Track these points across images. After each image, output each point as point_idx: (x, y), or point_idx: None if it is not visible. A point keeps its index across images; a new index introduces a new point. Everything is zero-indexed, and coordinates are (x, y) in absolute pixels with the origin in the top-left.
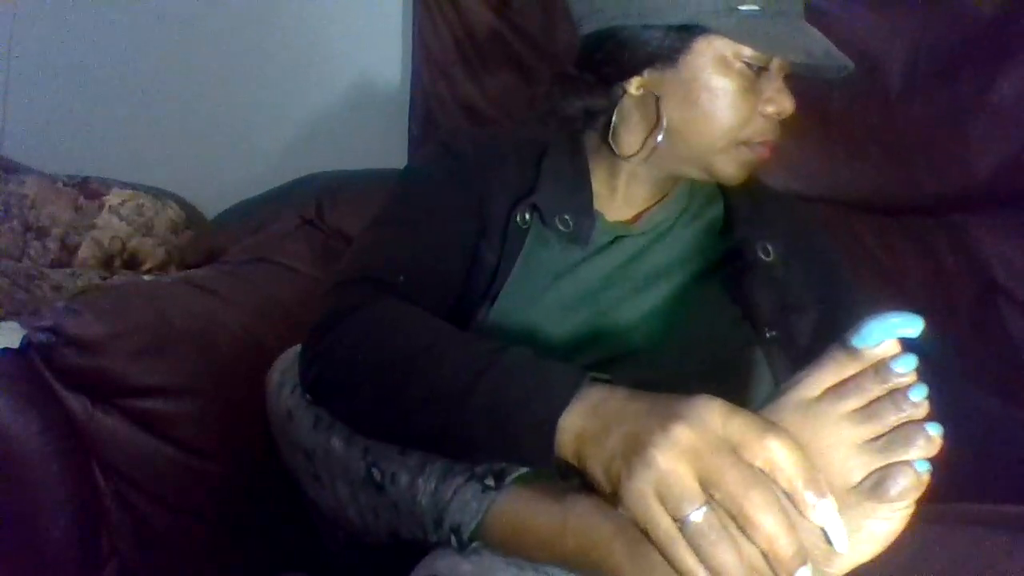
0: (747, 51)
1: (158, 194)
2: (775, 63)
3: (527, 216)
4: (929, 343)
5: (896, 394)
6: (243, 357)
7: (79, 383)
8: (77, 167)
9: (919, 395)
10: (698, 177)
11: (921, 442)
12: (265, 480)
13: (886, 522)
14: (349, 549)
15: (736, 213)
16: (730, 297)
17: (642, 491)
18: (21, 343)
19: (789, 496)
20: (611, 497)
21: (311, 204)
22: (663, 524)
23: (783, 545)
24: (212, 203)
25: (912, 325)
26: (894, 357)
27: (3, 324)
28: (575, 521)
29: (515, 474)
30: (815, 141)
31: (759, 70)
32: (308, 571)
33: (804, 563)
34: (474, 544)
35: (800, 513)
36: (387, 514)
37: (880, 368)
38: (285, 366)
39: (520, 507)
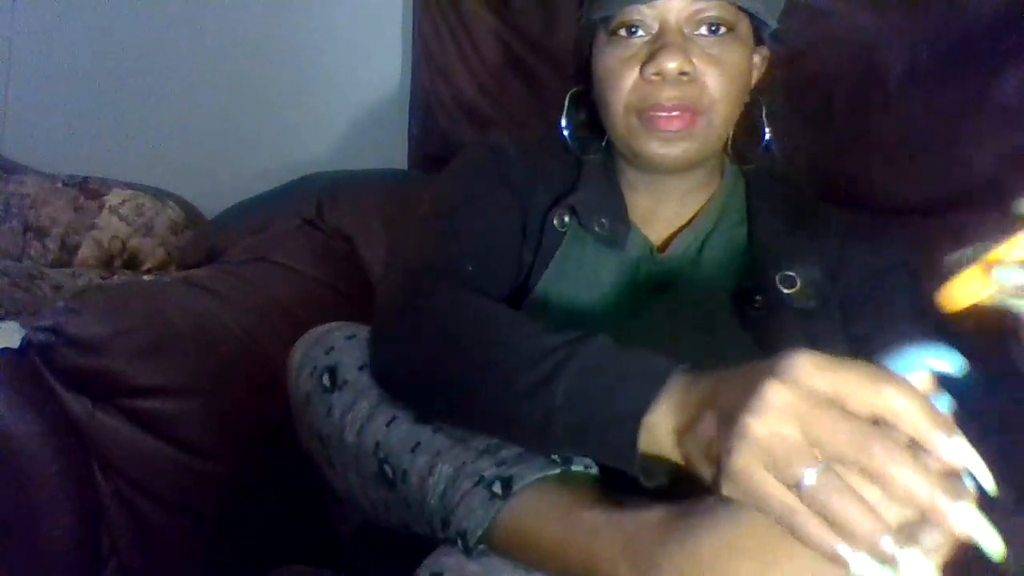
0: (611, 23)
1: (158, 194)
2: (654, 21)
3: (565, 219)
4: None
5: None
6: (243, 357)
7: (79, 383)
8: (77, 167)
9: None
10: (653, 170)
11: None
12: (265, 480)
13: None
14: (359, 536)
15: (758, 237)
16: (751, 336)
17: (746, 465)
18: (21, 343)
19: (916, 442)
20: (717, 485)
21: (311, 204)
22: (777, 495)
23: (924, 491)
24: (212, 203)
25: (949, 359)
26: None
27: (3, 324)
28: (580, 537)
29: (523, 483)
30: (815, 141)
31: (633, 35)
32: (307, 564)
33: (960, 498)
34: (480, 546)
35: (932, 456)
36: (398, 509)
37: None
38: (308, 346)
39: (526, 519)
